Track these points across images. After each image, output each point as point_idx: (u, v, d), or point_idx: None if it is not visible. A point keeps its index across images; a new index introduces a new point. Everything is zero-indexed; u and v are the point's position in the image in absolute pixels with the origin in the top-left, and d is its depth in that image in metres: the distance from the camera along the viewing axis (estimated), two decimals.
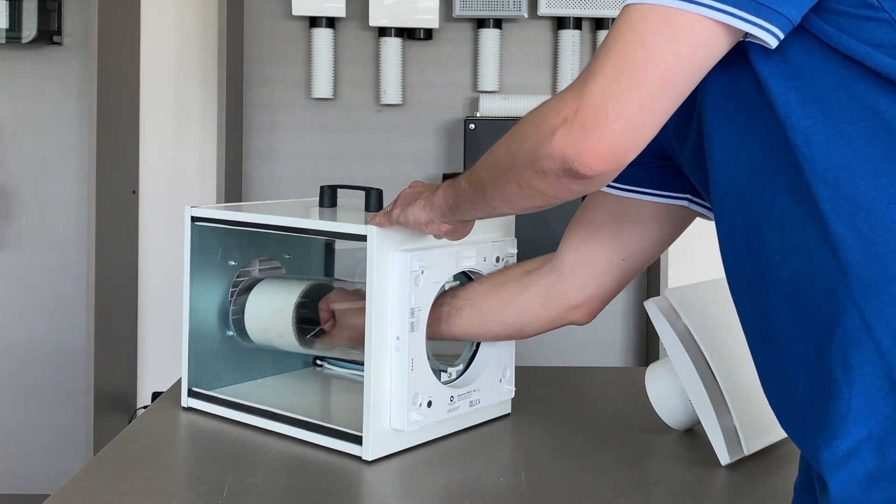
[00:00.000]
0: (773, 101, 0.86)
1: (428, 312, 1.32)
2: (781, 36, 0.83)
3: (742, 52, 0.87)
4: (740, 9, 0.82)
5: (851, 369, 0.84)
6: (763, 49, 0.85)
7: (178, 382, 1.53)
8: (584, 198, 1.29)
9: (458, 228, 1.22)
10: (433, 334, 1.36)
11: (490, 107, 2.63)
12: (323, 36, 2.69)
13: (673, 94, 0.85)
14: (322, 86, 2.70)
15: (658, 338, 1.43)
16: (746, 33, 0.84)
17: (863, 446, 0.83)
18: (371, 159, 2.78)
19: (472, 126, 2.57)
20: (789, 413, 0.92)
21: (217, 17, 2.62)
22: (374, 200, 1.43)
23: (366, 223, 1.27)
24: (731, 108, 0.91)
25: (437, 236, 1.27)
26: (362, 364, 1.30)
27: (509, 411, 1.48)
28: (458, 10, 2.63)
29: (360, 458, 1.28)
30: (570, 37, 2.68)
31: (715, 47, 0.84)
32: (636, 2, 0.84)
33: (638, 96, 0.83)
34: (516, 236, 1.46)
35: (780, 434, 1.36)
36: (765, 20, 0.82)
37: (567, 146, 0.85)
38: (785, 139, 0.86)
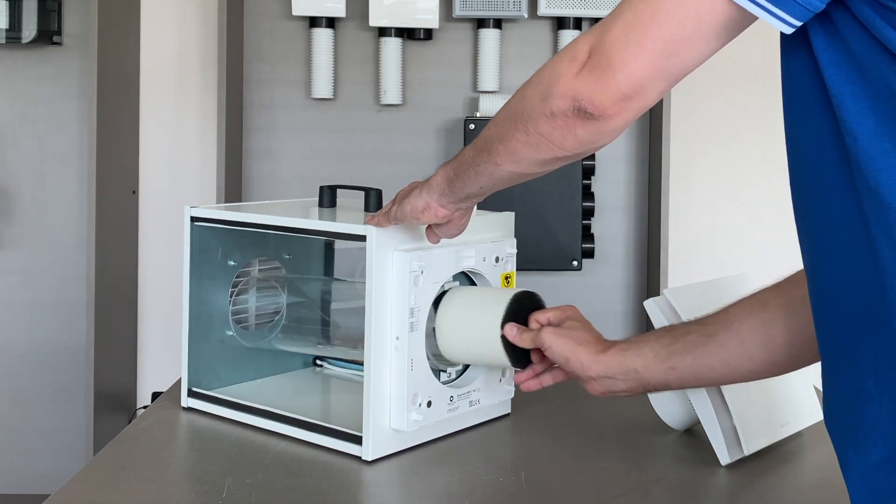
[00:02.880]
0: (829, 90, 0.84)
1: (427, 312, 1.31)
2: (796, 23, 0.82)
3: (806, 35, 0.85)
4: None
5: (882, 382, 0.81)
6: (824, 33, 0.83)
7: (178, 382, 1.53)
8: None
9: (454, 219, 1.21)
10: (670, 371, 1.19)
11: (490, 107, 2.62)
12: (323, 36, 2.69)
13: (679, 59, 0.86)
14: (322, 86, 2.70)
15: None
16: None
17: (889, 462, 0.81)
18: (371, 159, 2.77)
19: (472, 126, 2.57)
20: (826, 411, 0.90)
21: (217, 17, 2.61)
22: (373, 200, 1.43)
23: (364, 224, 1.27)
24: (796, 89, 0.89)
25: (433, 237, 1.26)
26: (362, 364, 1.30)
27: (509, 411, 1.48)
28: (458, 11, 2.63)
29: (359, 458, 1.28)
30: (570, 37, 2.68)
31: (720, 21, 0.84)
32: None
33: (641, 53, 0.86)
34: (516, 236, 1.46)
35: (780, 434, 1.36)
36: (774, 5, 0.81)
37: (578, 85, 0.89)
38: (839, 131, 0.84)
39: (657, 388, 1.23)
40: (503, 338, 1.27)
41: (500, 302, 1.29)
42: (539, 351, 1.28)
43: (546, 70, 0.94)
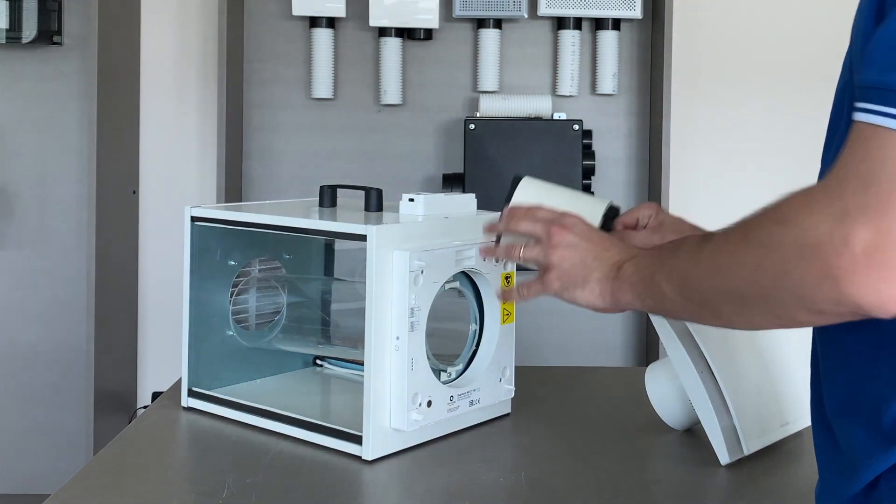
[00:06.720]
0: None
1: (427, 312, 1.32)
2: None
3: None
4: None
5: None
6: None
7: (178, 382, 1.53)
8: None
9: None
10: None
11: (490, 107, 2.63)
12: (323, 36, 2.69)
13: None
14: (322, 86, 2.70)
15: (658, 338, 1.43)
16: None
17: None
18: (371, 159, 2.78)
19: (472, 126, 2.57)
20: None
21: (217, 17, 2.62)
22: (373, 200, 1.43)
23: (501, 294, 1.30)
24: None
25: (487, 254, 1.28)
26: (362, 364, 1.30)
27: (509, 411, 1.48)
28: (458, 11, 2.63)
29: (359, 457, 1.28)
30: (569, 37, 2.68)
31: None
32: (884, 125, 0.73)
33: None
34: None
35: (780, 434, 1.36)
36: None
37: (864, 294, 0.73)
38: None
39: None
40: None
41: (598, 204, 1.31)
42: None
43: (793, 256, 0.76)
